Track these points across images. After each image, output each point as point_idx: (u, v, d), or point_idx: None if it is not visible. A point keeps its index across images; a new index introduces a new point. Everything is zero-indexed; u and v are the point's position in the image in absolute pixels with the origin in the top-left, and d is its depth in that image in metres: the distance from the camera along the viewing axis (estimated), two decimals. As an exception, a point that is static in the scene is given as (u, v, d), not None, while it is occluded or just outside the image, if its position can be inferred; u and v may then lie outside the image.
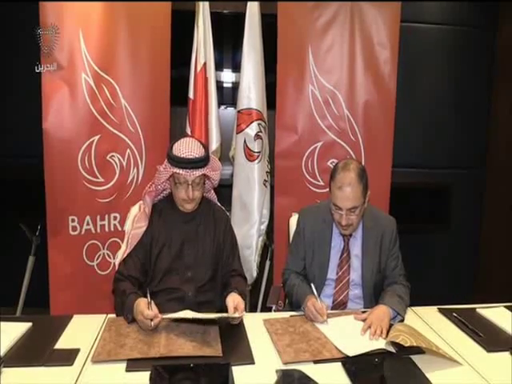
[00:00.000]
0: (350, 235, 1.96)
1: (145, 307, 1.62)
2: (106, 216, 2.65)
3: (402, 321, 1.78)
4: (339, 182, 1.82)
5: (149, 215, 1.89)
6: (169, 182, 1.89)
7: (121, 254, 1.90)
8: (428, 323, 1.81)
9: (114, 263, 2.66)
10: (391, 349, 1.54)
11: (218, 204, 2.07)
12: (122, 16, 2.55)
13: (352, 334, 1.64)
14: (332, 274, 1.97)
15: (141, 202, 1.98)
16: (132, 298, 1.71)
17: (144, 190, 1.94)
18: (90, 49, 2.48)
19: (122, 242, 2.60)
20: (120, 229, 2.67)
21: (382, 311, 1.74)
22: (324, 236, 1.98)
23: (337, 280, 1.96)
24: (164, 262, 1.88)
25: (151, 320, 1.60)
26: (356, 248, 1.97)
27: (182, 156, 1.76)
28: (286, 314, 1.85)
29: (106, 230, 2.66)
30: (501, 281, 3.48)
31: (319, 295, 1.88)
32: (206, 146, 1.88)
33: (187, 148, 1.78)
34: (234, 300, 1.73)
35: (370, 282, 1.95)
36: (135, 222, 1.90)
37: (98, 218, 2.62)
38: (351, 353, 1.50)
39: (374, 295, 1.96)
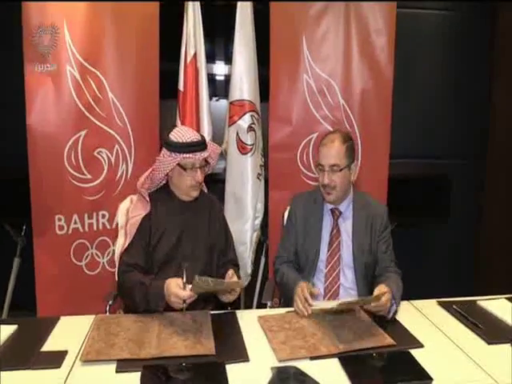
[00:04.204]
0: (340, 213, 2.05)
1: (177, 288, 1.63)
2: (94, 214, 2.65)
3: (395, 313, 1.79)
4: (324, 140, 2.01)
5: (148, 203, 1.93)
6: (167, 175, 1.94)
7: (120, 246, 1.92)
8: (427, 316, 1.82)
9: (103, 263, 2.71)
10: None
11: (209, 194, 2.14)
12: (108, 5, 2.54)
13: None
14: (324, 254, 2.05)
15: (131, 196, 2.01)
16: (158, 284, 1.71)
17: (139, 183, 1.95)
18: (75, 40, 2.47)
19: (111, 240, 2.68)
20: (109, 227, 2.68)
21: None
22: (315, 215, 2.09)
23: (328, 258, 2.04)
24: (162, 252, 1.91)
25: (184, 301, 1.62)
26: (347, 226, 2.06)
27: (187, 141, 1.85)
28: (282, 311, 1.86)
29: (94, 228, 2.66)
30: (502, 272, 3.50)
31: (312, 277, 1.99)
32: (198, 131, 1.99)
33: (187, 133, 1.88)
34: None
35: (360, 263, 2.02)
36: (131, 211, 1.93)
37: (86, 216, 2.62)
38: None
39: (366, 281, 2.02)
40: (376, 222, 2.06)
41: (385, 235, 2.07)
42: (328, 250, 2.05)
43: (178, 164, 1.88)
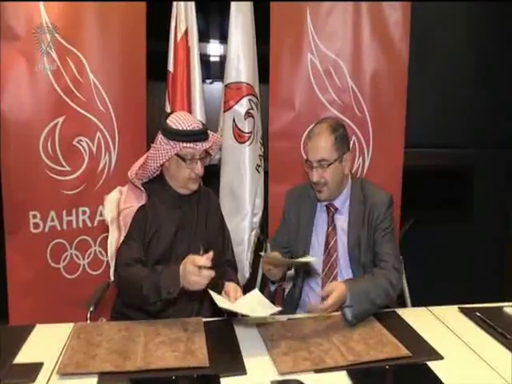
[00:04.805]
0: (336, 210, 2.06)
1: (195, 267, 1.61)
2: (74, 210, 2.63)
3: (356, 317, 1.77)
4: (310, 132, 2.01)
5: (142, 193, 1.92)
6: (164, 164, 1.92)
7: (114, 241, 1.89)
8: (447, 325, 1.81)
9: (84, 265, 2.70)
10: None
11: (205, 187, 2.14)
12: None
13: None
14: (319, 256, 2.06)
15: (119, 187, 1.99)
16: (172, 267, 1.69)
17: (131, 172, 1.92)
18: (52, 16, 2.45)
19: (93, 240, 2.67)
20: (90, 225, 2.67)
21: (342, 296, 1.74)
22: (308, 213, 2.11)
23: (324, 261, 2.05)
24: (156, 250, 1.90)
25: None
26: (343, 223, 2.06)
27: (188, 128, 1.83)
28: (283, 318, 1.85)
29: (74, 226, 2.65)
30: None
31: (302, 284, 2.07)
32: (199, 119, 1.98)
33: (189, 119, 1.87)
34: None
35: (358, 263, 2.01)
36: (122, 203, 1.91)
37: (64, 212, 2.61)
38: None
39: None
40: (374, 213, 2.03)
41: (382, 225, 2.02)
42: (325, 251, 2.06)
43: (177, 154, 1.86)
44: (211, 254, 1.62)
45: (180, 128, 1.83)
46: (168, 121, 1.86)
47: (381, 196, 2.06)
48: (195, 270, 1.60)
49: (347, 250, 2.04)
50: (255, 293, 1.79)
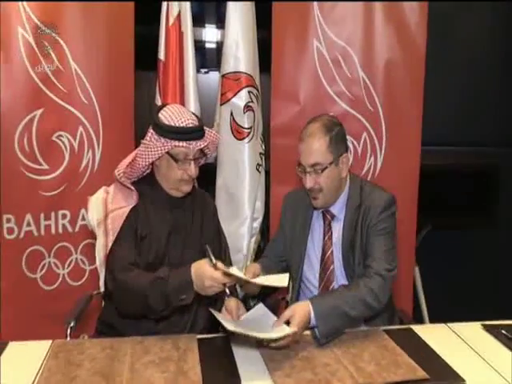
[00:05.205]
0: (333, 217, 2.06)
1: (211, 270, 1.63)
2: (53, 214, 2.63)
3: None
4: (302, 133, 1.98)
5: (131, 193, 1.91)
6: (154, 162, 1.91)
7: (102, 247, 1.89)
8: (469, 343, 1.80)
9: (64, 275, 2.70)
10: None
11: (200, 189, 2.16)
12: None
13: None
14: (315, 269, 2.07)
15: (104, 187, 1.98)
16: (179, 272, 1.70)
17: (118, 170, 1.91)
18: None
19: (73, 247, 2.67)
20: (71, 230, 2.67)
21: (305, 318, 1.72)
22: (304, 220, 2.12)
23: (321, 274, 2.06)
24: (146, 257, 1.89)
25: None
26: (340, 231, 2.05)
27: (181, 125, 1.82)
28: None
29: (53, 232, 2.65)
30: None
31: (296, 299, 2.07)
32: (196, 114, 1.97)
33: (183, 115, 1.85)
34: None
35: (352, 272, 2.01)
36: (109, 203, 1.91)
37: (42, 216, 2.60)
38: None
39: None
40: (367, 216, 2.00)
41: (376, 227, 1.98)
42: (321, 263, 2.06)
43: (168, 153, 1.85)
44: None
45: (172, 124, 1.82)
46: (160, 114, 1.85)
47: (378, 197, 2.03)
48: (215, 284, 1.63)
49: (342, 261, 2.04)
50: (261, 308, 1.79)
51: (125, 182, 1.91)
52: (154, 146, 1.84)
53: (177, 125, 1.82)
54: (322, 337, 1.72)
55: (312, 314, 1.73)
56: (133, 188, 1.91)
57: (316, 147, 1.92)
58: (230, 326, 1.63)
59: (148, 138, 1.85)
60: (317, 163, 1.92)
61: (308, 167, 1.94)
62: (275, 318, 1.74)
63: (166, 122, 1.82)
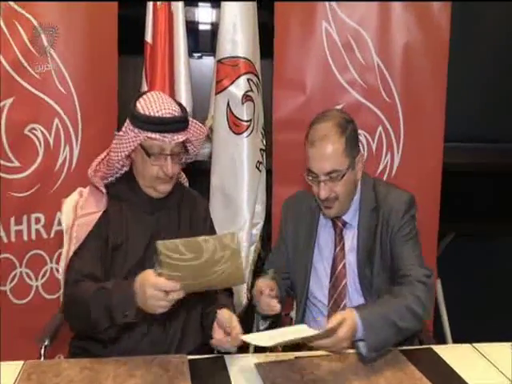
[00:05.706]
0: (344, 224, 2.03)
1: (159, 292, 1.52)
2: (25, 218, 2.63)
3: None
4: (312, 136, 1.91)
5: (103, 198, 1.91)
6: (129, 158, 1.91)
7: (65, 255, 1.89)
8: (497, 366, 1.79)
9: (37, 286, 2.70)
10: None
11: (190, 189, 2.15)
12: None
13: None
14: (325, 285, 2.06)
15: (80, 188, 1.99)
16: (124, 283, 1.66)
17: (91, 169, 1.93)
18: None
19: (48, 256, 2.67)
20: (45, 236, 2.67)
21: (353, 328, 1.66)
22: (309, 229, 2.10)
23: (330, 291, 2.04)
24: (122, 266, 1.88)
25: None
26: (353, 240, 2.03)
27: (155, 114, 1.81)
28: (289, 355, 1.83)
29: (25, 238, 2.64)
30: None
31: (301, 318, 2.06)
32: (181, 104, 1.94)
33: (161, 104, 1.84)
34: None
35: (370, 286, 1.99)
36: (79, 208, 1.91)
37: (13, 220, 2.60)
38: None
39: None
40: (388, 222, 1.98)
41: (401, 233, 1.96)
42: (331, 278, 2.04)
43: (141, 145, 1.85)
44: None
45: (147, 113, 1.82)
46: (137, 103, 1.86)
47: (397, 198, 2.01)
48: (159, 294, 1.52)
49: (357, 273, 2.02)
50: (302, 326, 1.80)
51: (96, 183, 1.92)
52: (127, 137, 1.84)
53: (152, 114, 1.81)
54: (371, 350, 1.67)
55: (359, 324, 1.66)
56: (103, 190, 1.90)
57: (331, 152, 1.87)
58: (267, 343, 1.62)
59: (124, 129, 1.85)
60: (334, 170, 1.87)
61: (322, 176, 1.88)
62: (316, 331, 1.65)
63: (141, 112, 1.82)
